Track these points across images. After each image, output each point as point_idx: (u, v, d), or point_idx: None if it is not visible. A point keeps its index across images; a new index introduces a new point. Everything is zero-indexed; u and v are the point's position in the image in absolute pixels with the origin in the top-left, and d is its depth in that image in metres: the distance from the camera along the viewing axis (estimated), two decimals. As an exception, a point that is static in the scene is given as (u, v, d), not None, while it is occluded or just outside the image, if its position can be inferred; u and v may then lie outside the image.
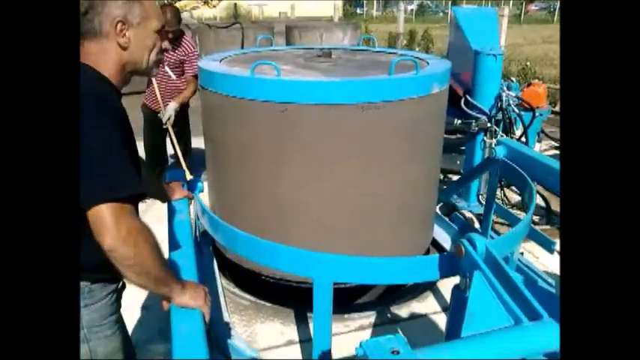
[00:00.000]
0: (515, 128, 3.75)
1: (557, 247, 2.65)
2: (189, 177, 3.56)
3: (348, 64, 2.78)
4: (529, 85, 4.11)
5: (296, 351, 2.40)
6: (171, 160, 4.43)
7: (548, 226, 3.76)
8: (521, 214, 3.18)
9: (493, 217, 3.17)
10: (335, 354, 2.25)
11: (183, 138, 4.14)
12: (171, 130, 3.84)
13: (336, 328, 2.42)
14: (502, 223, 3.56)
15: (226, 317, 2.54)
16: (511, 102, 3.60)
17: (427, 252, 2.88)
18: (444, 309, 2.68)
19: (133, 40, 1.29)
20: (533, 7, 32.30)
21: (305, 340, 2.44)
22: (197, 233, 2.76)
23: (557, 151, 5.40)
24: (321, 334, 1.82)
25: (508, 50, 10.17)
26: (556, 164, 2.35)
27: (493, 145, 2.73)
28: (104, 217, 1.12)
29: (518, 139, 3.64)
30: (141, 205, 1.45)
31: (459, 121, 3.76)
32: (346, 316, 2.61)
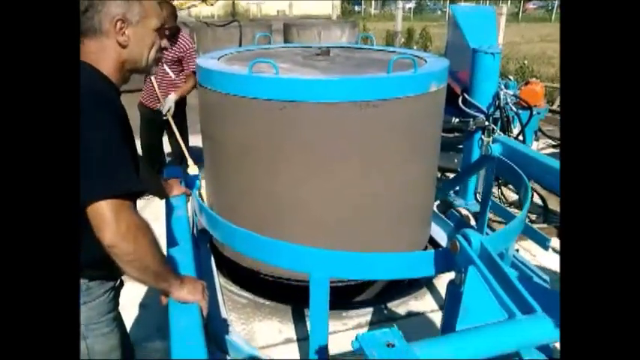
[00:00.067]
0: (512, 126, 3.76)
1: (552, 243, 2.67)
2: (192, 168, 3.58)
3: (347, 62, 2.78)
4: (527, 83, 4.13)
5: (294, 349, 2.40)
6: (168, 159, 4.42)
7: (545, 225, 3.77)
8: (517, 212, 3.19)
9: (490, 215, 3.18)
10: (333, 351, 2.26)
11: (181, 136, 4.13)
12: (171, 120, 3.85)
13: (334, 326, 2.43)
14: (499, 221, 3.57)
15: (224, 314, 2.54)
16: (509, 100, 3.61)
17: (425, 249, 2.89)
18: (442, 307, 2.69)
19: (132, 39, 1.31)
20: (531, 5, 32.32)
21: (303, 339, 2.45)
22: (194, 231, 2.77)
23: (555, 150, 5.42)
24: (318, 329, 1.84)
25: (506, 48, 10.18)
26: (552, 162, 2.36)
27: (489, 143, 2.74)
28: (104, 214, 1.14)
29: (516, 138, 3.65)
30: (139, 203, 1.45)
31: (457, 120, 3.78)
32: (344, 314, 2.62)
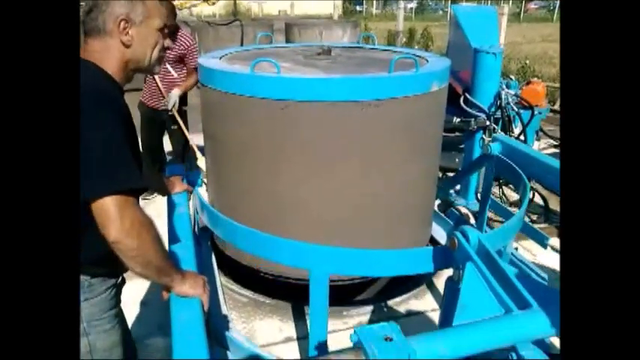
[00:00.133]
0: (514, 126, 3.76)
1: (552, 242, 2.68)
2: (201, 160, 3.63)
3: (348, 61, 2.78)
4: (528, 83, 4.13)
5: (294, 347, 2.41)
6: (168, 158, 4.44)
7: (546, 225, 3.78)
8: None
9: (490, 215, 3.19)
10: (333, 350, 2.26)
11: (182, 135, 4.15)
12: (177, 115, 3.88)
13: (334, 325, 2.44)
14: (500, 221, 3.58)
15: (225, 311, 2.55)
16: (510, 100, 3.61)
17: (425, 249, 2.90)
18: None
19: (135, 38, 1.33)
20: (532, 5, 32.32)
21: (303, 337, 2.45)
22: (196, 228, 2.78)
23: (556, 150, 5.42)
24: (318, 326, 1.85)
25: (507, 48, 10.18)
26: (552, 161, 2.37)
27: (488, 142, 2.75)
28: (108, 210, 1.16)
29: (517, 138, 3.66)
30: (141, 201, 1.46)
31: (458, 120, 3.77)
32: (345, 312, 2.63)
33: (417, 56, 2.63)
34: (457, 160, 4.63)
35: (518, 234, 2.87)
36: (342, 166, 2.30)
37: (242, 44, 7.07)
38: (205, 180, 2.84)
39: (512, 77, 4.27)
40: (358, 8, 33.21)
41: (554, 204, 3.94)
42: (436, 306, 2.71)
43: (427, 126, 2.51)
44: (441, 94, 2.51)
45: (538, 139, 4.59)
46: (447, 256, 1.66)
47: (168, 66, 3.79)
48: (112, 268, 1.42)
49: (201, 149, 3.38)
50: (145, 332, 2.45)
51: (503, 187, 4.14)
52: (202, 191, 2.51)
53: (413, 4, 32.04)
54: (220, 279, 2.83)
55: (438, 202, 3.55)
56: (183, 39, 3.78)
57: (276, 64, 2.24)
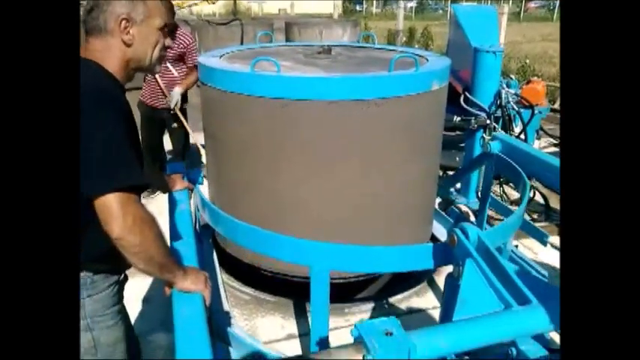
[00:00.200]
0: (514, 125, 3.78)
1: (552, 240, 2.69)
2: (205, 158, 3.68)
3: (348, 60, 2.79)
4: (528, 82, 4.14)
5: (296, 344, 2.42)
6: (168, 157, 4.45)
7: (546, 223, 3.79)
8: (519, 211, 3.21)
9: (491, 213, 3.19)
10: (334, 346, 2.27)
11: (182, 133, 4.16)
12: (179, 113, 3.92)
13: (336, 322, 2.45)
14: (500, 219, 3.59)
15: (227, 307, 2.57)
16: (510, 99, 3.62)
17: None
18: (443, 304, 2.71)
19: (137, 37, 1.35)
20: (532, 4, 32.29)
21: (305, 334, 2.46)
22: (197, 226, 2.79)
23: (557, 149, 5.43)
24: (319, 321, 1.87)
25: (507, 48, 10.18)
26: (552, 159, 2.38)
27: (488, 141, 2.76)
28: (111, 207, 1.17)
29: (518, 136, 3.67)
30: (142, 200, 1.48)
31: (459, 119, 3.78)
32: (346, 310, 2.64)
33: (417, 55, 2.64)
34: (457, 158, 4.65)
35: (520, 232, 2.89)
36: (342, 165, 2.31)
37: (242, 43, 7.07)
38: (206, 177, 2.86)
39: (513, 76, 4.28)
40: (358, 7, 33.20)
41: (555, 202, 3.95)
42: (437, 304, 2.72)
43: (427, 125, 2.52)
44: (441, 93, 2.52)
45: (538, 138, 4.60)
46: (446, 252, 1.67)
47: (168, 64, 3.81)
48: (115, 265, 1.43)
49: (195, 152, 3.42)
50: (147, 329, 2.46)
51: (504, 185, 4.15)
52: (203, 189, 2.52)
53: (413, 4, 32.02)
54: (222, 277, 2.85)
55: (438, 200, 3.57)
56: (182, 37, 3.79)
57: (277, 63, 2.25)
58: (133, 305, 2.53)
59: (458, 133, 4.47)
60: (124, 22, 1.31)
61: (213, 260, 2.88)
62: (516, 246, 3.17)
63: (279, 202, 2.41)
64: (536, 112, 3.76)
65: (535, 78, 4.51)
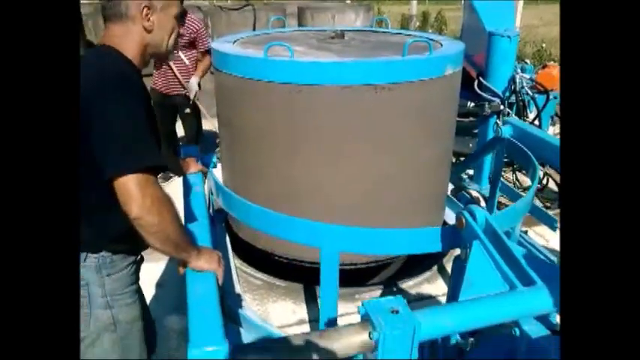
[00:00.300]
0: (528, 111, 3.73)
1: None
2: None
3: (362, 45, 2.77)
4: (544, 67, 4.07)
5: (307, 329, 2.45)
6: (180, 144, 4.49)
7: (559, 210, 3.75)
8: (532, 197, 3.19)
9: (503, 200, 3.17)
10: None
11: (195, 119, 4.18)
12: (198, 103, 3.96)
13: (346, 308, 2.46)
14: (513, 206, 3.57)
15: (239, 291, 2.60)
16: (525, 84, 3.57)
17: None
18: (454, 290, 2.71)
19: (156, 24, 1.41)
20: (550, -13, 31.57)
21: (315, 320, 2.49)
22: (211, 210, 2.82)
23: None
24: (328, 303, 1.90)
25: (523, 32, 10.01)
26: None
27: (500, 124, 2.74)
28: (130, 189, 1.22)
29: (532, 122, 3.62)
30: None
31: (472, 104, 3.75)
32: (357, 296, 2.65)
33: (431, 40, 2.61)
34: (471, 145, 4.61)
35: (531, 220, 2.86)
36: (355, 149, 2.31)
37: (255, 28, 7.04)
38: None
39: (528, 61, 4.22)
40: (371, -8, 32.77)
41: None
42: (447, 290, 2.73)
43: (441, 110, 2.50)
44: (454, 78, 2.50)
45: (553, 124, 4.54)
46: (455, 235, 1.68)
47: (180, 53, 3.82)
48: (133, 245, 1.49)
49: (212, 137, 3.45)
50: (161, 313, 2.51)
51: (517, 172, 4.11)
52: (216, 172, 2.54)
53: (427, -13, 31.51)
54: (235, 262, 2.88)
55: (451, 187, 3.55)
56: (191, 23, 3.80)
57: (290, 48, 2.24)
58: (147, 289, 2.55)
59: (471, 119, 4.43)
60: (145, 9, 1.38)
61: (225, 244, 2.91)
62: (525, 232, 3.16)
63: (294, 187, 2.41)
64: (551, 97, 3.70)
65: (551, 62, 4.43)
